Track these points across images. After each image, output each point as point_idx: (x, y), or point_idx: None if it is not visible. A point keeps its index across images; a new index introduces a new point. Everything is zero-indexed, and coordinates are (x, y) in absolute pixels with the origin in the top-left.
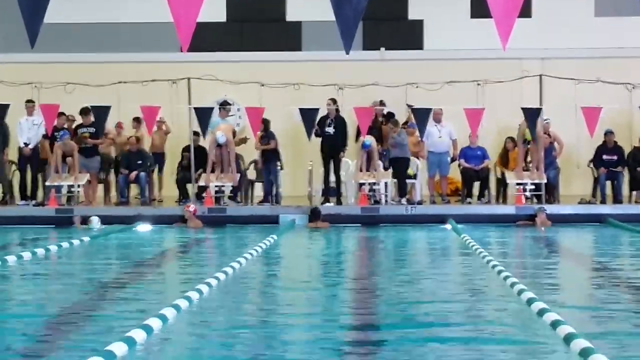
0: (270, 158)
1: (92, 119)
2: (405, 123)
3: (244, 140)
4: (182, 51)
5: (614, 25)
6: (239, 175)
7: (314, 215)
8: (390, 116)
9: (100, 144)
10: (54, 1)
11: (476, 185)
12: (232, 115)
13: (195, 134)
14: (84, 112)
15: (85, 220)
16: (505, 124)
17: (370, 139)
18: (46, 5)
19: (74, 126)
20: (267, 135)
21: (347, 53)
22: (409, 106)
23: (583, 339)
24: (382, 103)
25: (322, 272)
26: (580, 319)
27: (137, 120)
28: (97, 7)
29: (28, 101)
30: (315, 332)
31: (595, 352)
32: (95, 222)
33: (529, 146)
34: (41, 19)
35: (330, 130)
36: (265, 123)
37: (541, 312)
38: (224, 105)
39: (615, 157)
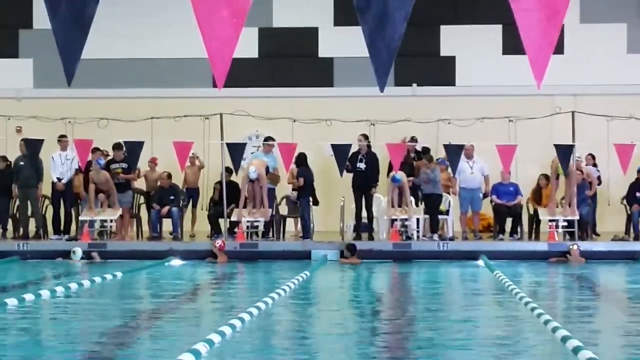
0: (302, 194)
1: (124, 154)
2: (437, 160)
3: (277, 179)
4: (217, 88)
5: None
6: (270, 210)
7: (350, 250)
8: (425, 151)
9: (133, 179)
10: (88, 37)
11: (508, 221)
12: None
13: (227, 169)
14: (116, 147)
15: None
16: (537, 160)
17: (400, 174)
18: (84, 44)
19: (106, 160)
20: (300, 172)
21: (382, 91)
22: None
23: None
24: (413, 139)
25: (355, 312)
26: (614, 358)
27: (152, 161)
28: (130, 43)
29: (61, 136)
30: None
31: None
32: (78, 252)
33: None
34: (78, 58)
35: (362, 165)
36: (299, 158)
37: (576, 350)
38: (267, 140)
39: None
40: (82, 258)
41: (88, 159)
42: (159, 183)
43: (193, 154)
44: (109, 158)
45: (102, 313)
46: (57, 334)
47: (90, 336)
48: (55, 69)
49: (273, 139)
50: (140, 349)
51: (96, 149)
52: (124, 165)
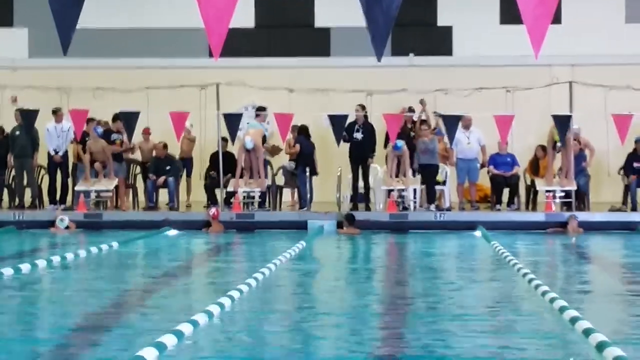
0: (299, 164)
1: (121, 125)
2: (433, 130)
3: (277, 151)
4: (214, 58)
5: None
6: (267, 180)
7: (349, 220)
8: (423, 122)
9: (131, 150)
10: (84, 7)
11: (505, 192)
12: (264, 122)
13: (224, 139)
14: (114, 118)
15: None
16: (534, 130)
17: (402, 142)
18: (79, 13)
19: (104, 129)
20: (297, 140)
21: (379, 60)
22: (436, 114)
23: (616, 347)
24: (410, 109)
25: (351, 281)
26: (612, 328)
27: (145, 131)
28: (126, 12)
29: (56, 109)
30: (342, 343)
31: None
32: (66, 221)
33: (558, 153)
34: (74, 27)
35: (359, 136)
36: (299, 130)
37: (573, 320)
38: (260, 110)
39: None
40: (66, 227)
41: (83, 129)
42: (154, 153)
43: (187, 127)
44: (106, 128)
45: (97, 284)
46: (52, 304)
47: (85, 307)
48: (50, 38)
49: (264, 109)
50: (137, 319)
51: (91, 119)
52: (122, 137)
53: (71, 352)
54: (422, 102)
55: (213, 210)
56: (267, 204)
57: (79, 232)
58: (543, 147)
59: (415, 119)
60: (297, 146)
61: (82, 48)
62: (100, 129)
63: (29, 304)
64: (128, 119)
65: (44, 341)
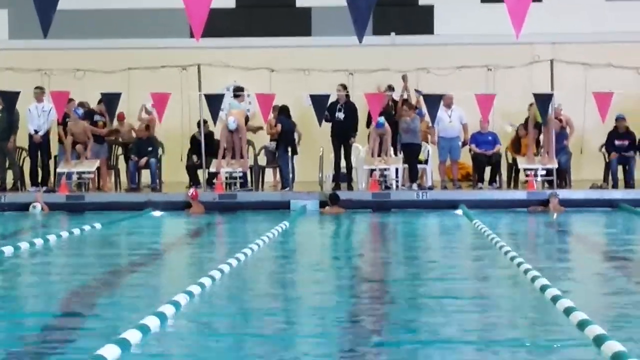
0: (280, 144)
1: (104, 108)
2: (415, 108)
3: (257, 129)
4: (195, 39)
5: (625, 9)
6: (249, 161)
7: (333, 200)
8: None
9: (115, 133)
10: None
11: (487, 170)
12: (244, 102)
13: (205, 120)
14: (99, 101)
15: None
16: (516, 109)
17: (383, 119)
18: None
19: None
20: (278, 120)
21: (360, 42)
22: (418, 92)
23: (597, 325)
24: (390, 87)
25: (334, 259)
26: (592, 306)
27: (119, 117)
28: None
29: (37, 88)
30: (322, 322)
31: (609, 339)
32: (38, 207)
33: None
34: (54, 8)
35: (341, 115)
36: (280, 111)
37: (555, 299)
38: (238, 90)
39: (626, 142)
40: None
41: (64, 111)
42: (133, 134)
43: (146, 108)
44: (88, 109)
45: (80, 265)
46: (34, 286)
47: (68, 289)
48: (31, 19)
49: (242, 89)
50: (120, 300)
51: (71, 100)
52: (104, 119)
53: (53, 335)
54: (404, 77)
55: (192, 191)
56: (249, 184)
57: (60, 214)
58: (525, 125)
59: (396, 97)
60: (279, 126)
61: (63, 29)
62: (80, 110)
63: (9, 287)
64: (109, 101)
65: (28, 323)
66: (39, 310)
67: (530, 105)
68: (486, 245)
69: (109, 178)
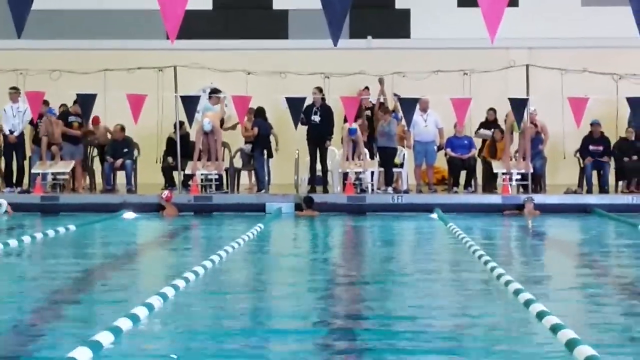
0: (256, 146)
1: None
2: (391, 112)
3: (234, 127)
4: (170, 40)
5: (601, 15)
6: (224, 163)
7: (307, 203)
8: (382, 105)
9: (91, 134)
10: None
11: (462, 174)
12: (219, 104)
13: (182, 122)
14: (74, 102)
15: None
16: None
17: (356, 126)
18: None
19: (61, 111)
20: (255, 123)
21: (335, 45)
22: (396, 96)
23: (569, 329)
24: (366, 88)
25: (309, 263)
26: (566, 310)
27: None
28: None
29: (12, 88)
30: (297, 322)
31: (581, 343)
32: (4, 205)
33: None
34: (28, 9)
35: (317, 118)
36: (256, 113)
37: (527, 303)
38: (214, 92)
39: (601, 148)
40: (5, 212)
41: (39, 111)
42: (109, 136)
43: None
44: (64, 110)
45: (54, 268)
46: (6, 287)
47: (40, 290)
48: (4, 19)
49: (218, 91)
50: (93, 302)
51: (47, 101)
52: (79, 120)
53: (23, 337)
54: (380, 81)
55: (166, 193)
56: (225, 186)
57: (37, 215)
58: (501, 130)
59: (373, 101)
60: (255, 129)
61: (38, 30)
62: (54, 110)
63: None
64: (85, 102)
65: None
66: (10, 312)
67: (507, 115)
68: (461, 249)
69: (84, 179)
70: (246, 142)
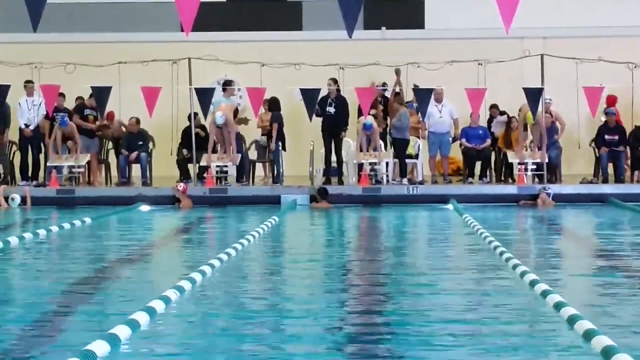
0: (276, 139)
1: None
2: (406, 104)
3: (244, 121)
4: (185, 33)
5: (616, 3)
6: (239, 155)
7: (322, 194)
8: (397, 95)
9: (106, 128)
10: None
11: (477, 165)
12: (234, 96)
13: (196, 113)
14: (89, 95)
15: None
16: (506, 103)
17: (371, 119)
18: None
19: (77, 103)
20: (273, 117)
21: (350, 36)
22: (415, 87)
23: (586, 320)
24: (384, 85)
25: (325, 255)
26: (583, 301)
27: (108, 117)
28: None
29: (27, 82)
30: (315, 319)
31: (599, 334)
32: (17, 199)
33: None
34: (44, 2)
35: (331, 110)
36: (270, 103)
37: (544, 294)
38: (227, 84)
39: (616, 137)
40: (19, 205)
41: (55, 105)
42: (123, 129)
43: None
44: (80, 103)
45: (70, 261)
46: (24, 281)
47: (58, 284)
48: (20, 13)
49: (231, 83)
50: (109, 296)
51: (62, 94)
52: (95, 113)
53: (41, 330)
54: (397, 71)
55: (181, 185)
56: (243, 178)
57: (53, 209)
58: (516, 119)
59: (388, 93)
60: (275, 125)
61: (53, 23)
62: (66, 119)
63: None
64: (100, 94)
65: (15, 318)
66: (26, 306)
67: (520, 108)
68: (476, 239)
69: (99, 172)
70: (262, 134)
